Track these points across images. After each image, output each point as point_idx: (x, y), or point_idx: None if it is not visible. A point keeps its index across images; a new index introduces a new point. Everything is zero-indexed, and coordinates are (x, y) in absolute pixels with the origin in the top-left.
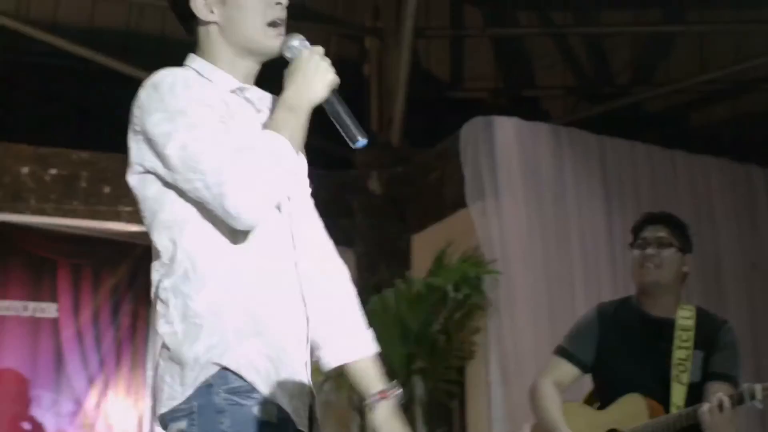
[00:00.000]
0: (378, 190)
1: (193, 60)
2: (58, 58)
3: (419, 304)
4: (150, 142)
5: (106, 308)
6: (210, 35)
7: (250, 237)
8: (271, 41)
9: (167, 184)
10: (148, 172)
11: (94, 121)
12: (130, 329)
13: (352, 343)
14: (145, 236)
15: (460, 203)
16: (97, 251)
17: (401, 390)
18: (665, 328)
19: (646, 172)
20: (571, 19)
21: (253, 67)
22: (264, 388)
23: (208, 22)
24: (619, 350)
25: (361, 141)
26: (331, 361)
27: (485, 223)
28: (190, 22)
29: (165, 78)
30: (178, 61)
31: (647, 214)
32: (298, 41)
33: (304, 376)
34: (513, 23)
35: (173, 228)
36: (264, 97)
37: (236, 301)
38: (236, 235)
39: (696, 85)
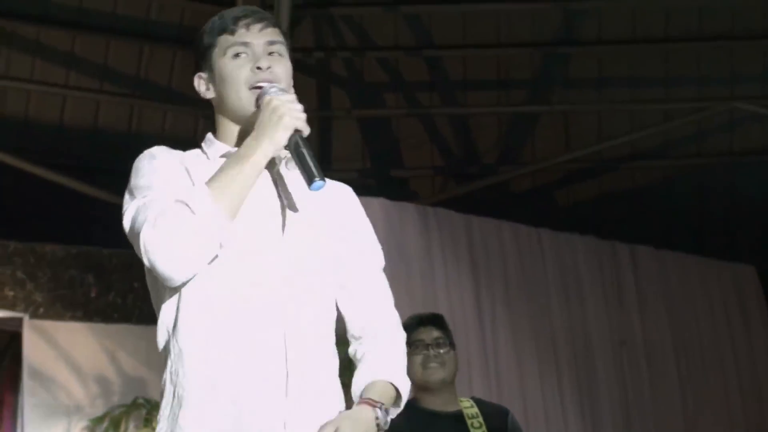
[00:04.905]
0: None
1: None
2: None
3: None
4: None
5: None
6: (215, 110)
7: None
8: (252, 102)
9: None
10: None
11: None
12: None
13: (374, 370)
14: (9, 322)
15: None
16: None
17: (389, 418)
18: (457, 420)
19: (513, 250)
20: (437, 100)
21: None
22: None
23: (210, 100)
24: None
25: (318, 183)
26: (355, 391)
27: None
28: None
29: (137, 159)
30: (41, 143)
31: (417, 316)
32: (270, 89)
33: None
34: (380, 104)
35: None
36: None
37: (182, 375)
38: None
39: (561, 164)
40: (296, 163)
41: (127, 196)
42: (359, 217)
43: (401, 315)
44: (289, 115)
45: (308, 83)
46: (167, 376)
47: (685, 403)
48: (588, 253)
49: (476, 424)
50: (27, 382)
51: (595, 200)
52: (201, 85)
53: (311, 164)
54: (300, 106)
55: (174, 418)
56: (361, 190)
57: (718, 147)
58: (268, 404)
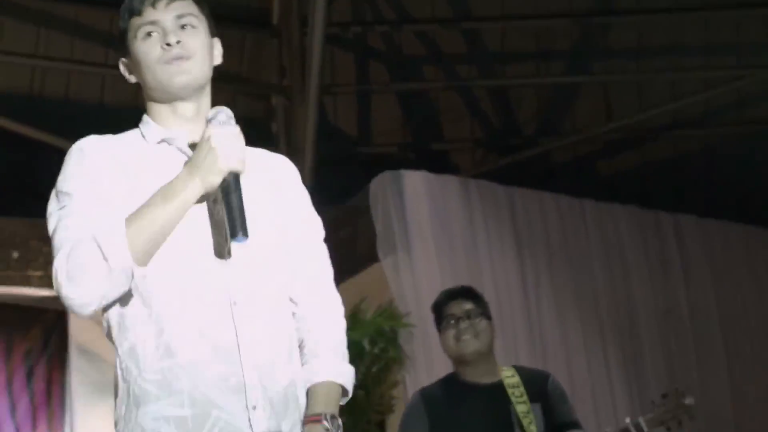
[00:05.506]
0: None
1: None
2: None
3: None
4: None
5: (19, 374)
6: (143, 93)
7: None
8: (168, 76)
9: None
10: None
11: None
12: (45, 394)
13: (312, 369)
14: (56, 301)
15: (372, 258)
16: (8, 317)
17: (339, 421)
18: (498, 391)
19: (556, 221)
20: (476, 72)
21: (181, 107)
22: None
23: (137, 84)
24: (462, 426)
25: (241, 238)
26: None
27: (398, 277)
28: None
29: (67, 153)
30: (82, 124)
31: (447, 290)
32: (218, 115)
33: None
34: (418, 78)
35: None
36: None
37: (136, 365)
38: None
39: (602, 134)
40: (224, 209)
41: (52, 194)
42: (297, 189)
43: (444, 287)
44: (224, 157)
45: (346, 58)
46: (119, 372)
47: (731, 371)
48: (631, 223)
49: (517, 393)
50: (74, 360)
51: (636, 170)
52: (124, 70)
53: (236, 215)
54: (240, 143)
55: (133, 417)
56: (402, 164)
57: (759, 114)
58: (229, 398)
